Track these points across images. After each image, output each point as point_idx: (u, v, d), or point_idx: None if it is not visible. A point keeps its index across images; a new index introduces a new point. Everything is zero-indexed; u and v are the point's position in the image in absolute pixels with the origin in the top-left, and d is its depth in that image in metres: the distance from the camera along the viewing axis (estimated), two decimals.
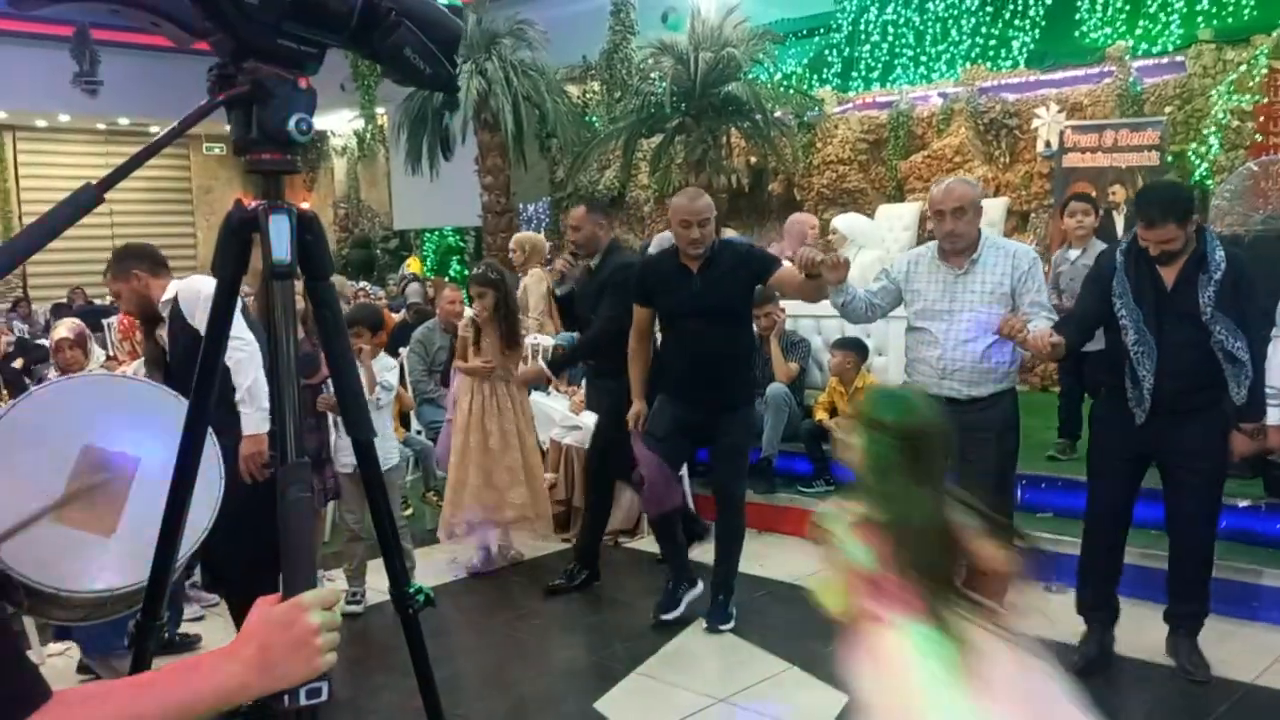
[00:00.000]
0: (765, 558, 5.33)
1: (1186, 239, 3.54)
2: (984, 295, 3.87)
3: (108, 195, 1.16)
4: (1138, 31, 9.85)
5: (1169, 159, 8.16)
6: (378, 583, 4.30)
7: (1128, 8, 10.10)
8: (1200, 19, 9.43)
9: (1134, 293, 3.64)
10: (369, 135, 17.66)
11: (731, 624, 4.48)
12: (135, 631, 1.52)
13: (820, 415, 6.02)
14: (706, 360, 4.27)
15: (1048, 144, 8.99)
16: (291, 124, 1.28)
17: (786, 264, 4.32)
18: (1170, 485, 3.77)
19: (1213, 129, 8.05)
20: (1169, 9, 9.79)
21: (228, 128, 1.35)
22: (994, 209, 8.71)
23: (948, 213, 3.86)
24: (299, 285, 1.38)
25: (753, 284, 4.34)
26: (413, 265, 14.06)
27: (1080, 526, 4.01)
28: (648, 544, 5.77)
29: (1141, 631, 4.02)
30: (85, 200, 1.13)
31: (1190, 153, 8.21)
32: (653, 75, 10.58)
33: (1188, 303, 3.55)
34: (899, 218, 9.13)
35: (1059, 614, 3.99)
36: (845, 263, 3.98)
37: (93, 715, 1.02)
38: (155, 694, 1.06)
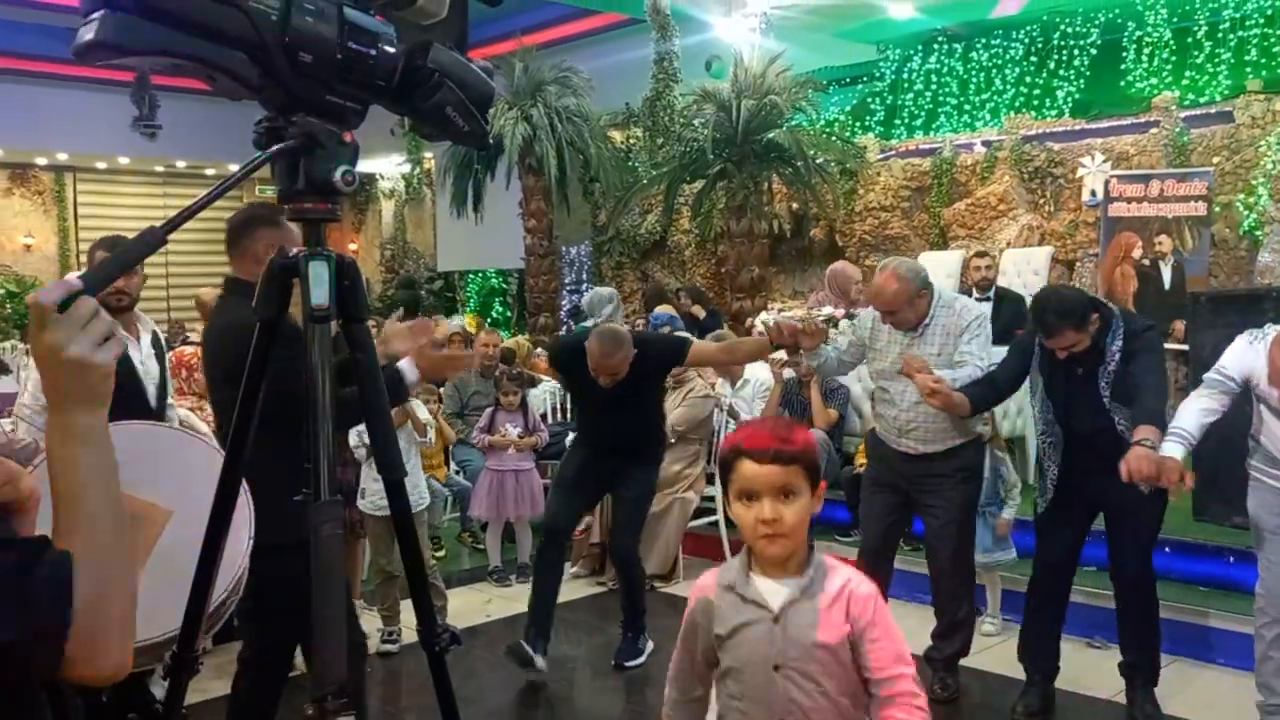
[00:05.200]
0: None
1: (1093, 338, 3.61)
2: (935, 359, 3.94)
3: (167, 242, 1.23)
4: (1184, 82, 9.81)
5: (1216, 209, 8.08)
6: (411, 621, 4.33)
7: (1174, 58, 10.07)
8: (1249, 69, 9.38)
9: (1047, 386, 3.77)
10: (416, 179, 17.95)
11: (642, 659, 4.65)
12: (171, 663, 1.55)
13: (860, 461, 5.99)
14: (614, 436, 4.53)
15: (1093, 193, 8.93)
16: (337, 175, 1.34)
17: (696, 342, 4.68)
18: (1110, 540, 3.83)
19: (1261, 180, 7.97)
20: (1216, 60, 9.74)
21: None
22: (1038, 258, 8.66)
23: (882, 311, 4.03)
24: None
25: (665, 372, 4.64)
26: (470, 323, 14.11)
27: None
28: (683, 589, 5.75)
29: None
30: (151, 241, 1.19)
31: (1238, 203, 8.13)
32: (695, 122, 10.69)
33: (1094, 394, 3.64)
34: (942, 265, 9.10)
35: (1096, 668, 3.94)
36: (822, 330, 4.18)
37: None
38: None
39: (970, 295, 6.96)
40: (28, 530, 1.18)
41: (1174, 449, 3.29)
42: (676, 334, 5.93)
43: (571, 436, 5.79)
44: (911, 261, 4.37)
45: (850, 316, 5.69)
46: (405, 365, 2.83)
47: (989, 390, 3.89)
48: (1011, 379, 3.95)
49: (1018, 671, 4.06)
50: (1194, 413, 3.39)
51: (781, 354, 6.10)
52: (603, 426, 4.54)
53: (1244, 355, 3.33)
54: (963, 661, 4.40)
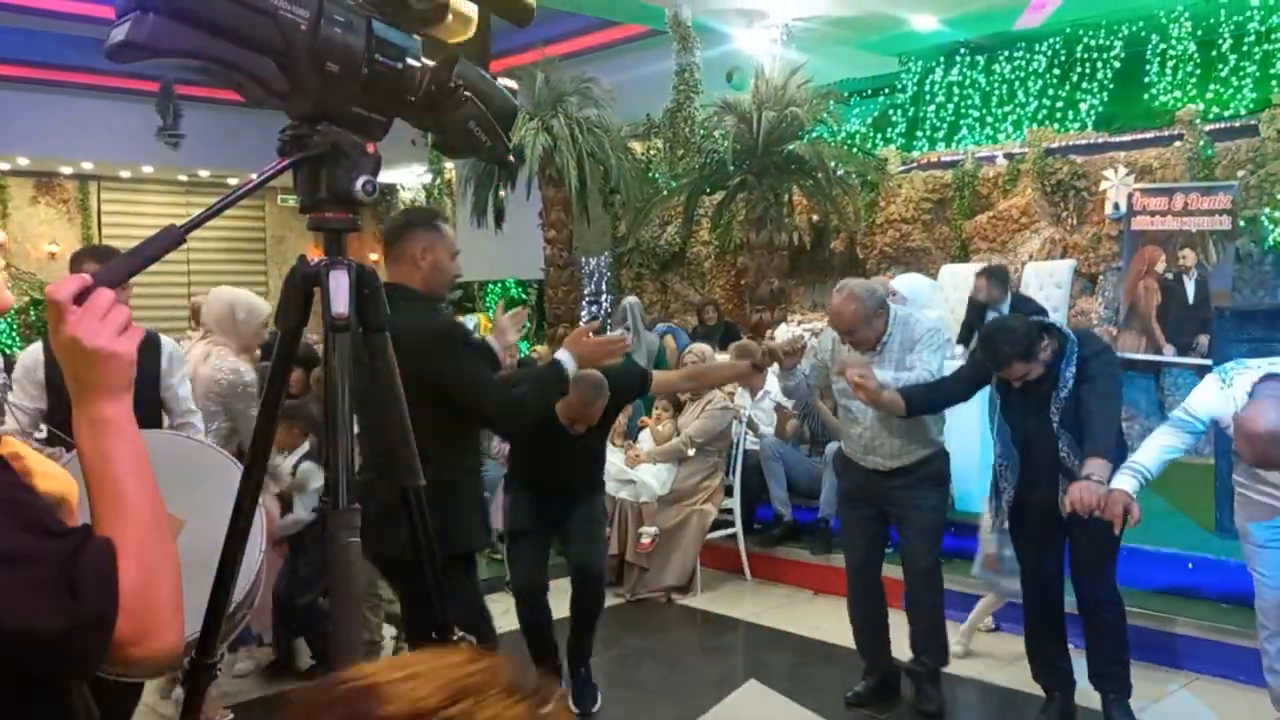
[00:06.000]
0: (822, 620, 5.26)
1: (1046, 364, 3.60)
2: (895, 374, 3.94)
3: (186, 241, 1.23)
4: (1209, 95, 9.75)
5: (1241, 223, 8.02)
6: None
7: (1199, 71, 10.01)
8: (1274, 83, 9.31)
9: (1004, 407, 3.79)
10: (437, 189, 18.04)
11: (599, 703, 4.33)
12: (189, 669, 1.56)
13: None
14: (571, 477, 4.30)
15: (1116, 206, 8.88)
16: (358, 185, 1.35)
17: (657, 373, 4.65)
18: (1070, 561, 3.82)
19: None
20: (1241, 73, 9.68)
21: None
22: (1061, 271, 8.61)
23: (842, 332, 4.02)
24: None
25: (623, 407, 4.64)
26: (483, 323, 14.26)
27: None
28: (701, 601, 5.73)
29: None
30: (170, 240, 1.20)
31: (1263, 217, 8.05)
32: (716, 133, 10.69)
33: (1048, 420, 3.65)
34: (964, 278, 9.06)
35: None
36: (802, 349, 4.16)
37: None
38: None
39: (986, 312, 6.95)
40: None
41: (1127, 482, 3.27)
42: (635, 366, 5.65)
43: (501, 474, 5.68)
44: (867, 282, 4.40)
45: None
46: (563, 355, 2.85)
47: (932, 395, 3.90)
48: (956, 389, 3.97)
49: (1039, 688, 4.03)
50: (1155, 450, 3.38)
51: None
52: (560, 468, 4.24)
53: (1213, 400, 3.32)
54: (985, 677, 4.38)
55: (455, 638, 1.71)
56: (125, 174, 17.72)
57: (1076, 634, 4.03)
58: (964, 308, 7.86)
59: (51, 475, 1.17)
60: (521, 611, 4.31)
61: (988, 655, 4.71)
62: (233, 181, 17.93)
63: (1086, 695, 4.00)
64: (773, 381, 6.51)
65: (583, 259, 13.53)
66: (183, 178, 18.05)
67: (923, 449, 4.05)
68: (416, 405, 2.76)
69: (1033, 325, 3.68)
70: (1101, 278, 8.94)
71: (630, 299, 9.42)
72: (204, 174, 17.88)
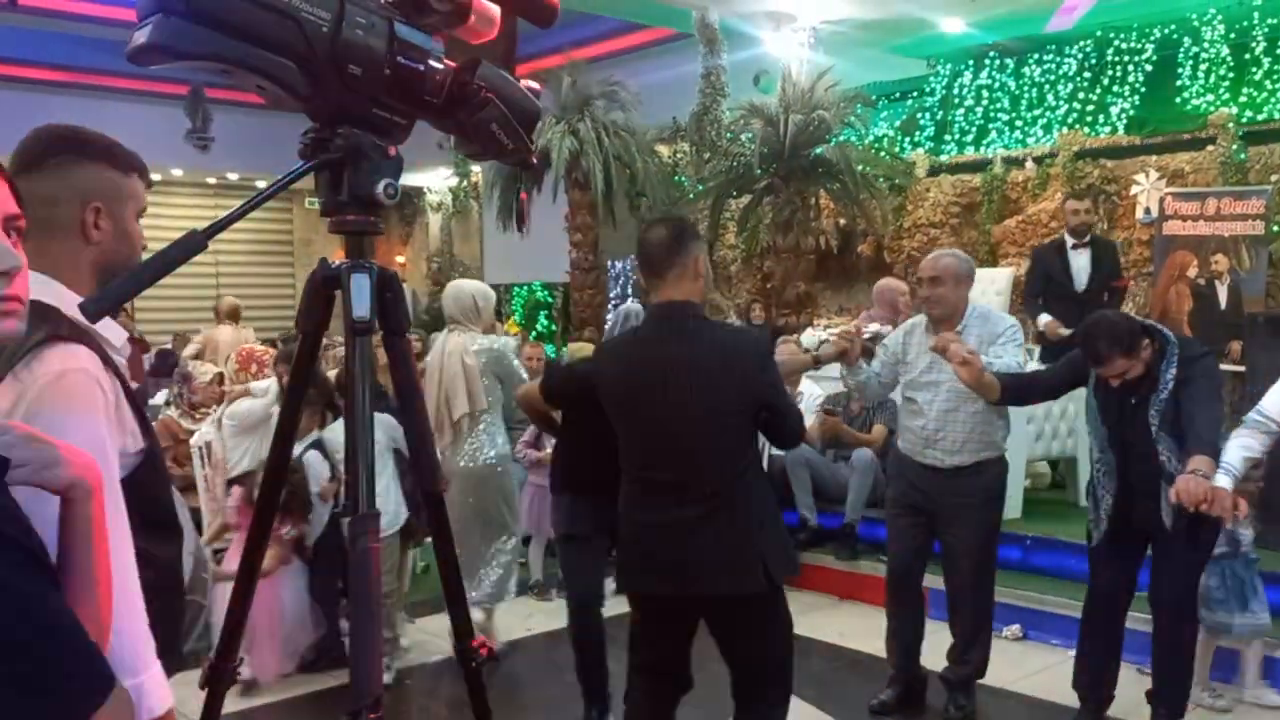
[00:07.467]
0: (847, 627, 5.22)
1: (1146, 364, 3.53)
2: (985, 360, 3.84)
3: (212, 244, 1.23)
4: (1242, 99, 9.62)
5: (1274, 228, 7.91)
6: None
7: (1232, 75, 9.88)
8: None
9: (1101, 410, 3.70)
10: (463, 192, 18.10)
11: None
12: (209, 673, 1.55)
13: None
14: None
15: (1147, 210, 8.78)
16: (379, 188, 1.34)
17: None
18: (1154, 564, 3.74)
19: None
20: (1275, 76, 9.55)
21: None
22: None
23: (925, 280, 3.99)
24: None
25: None
26: (510, 328, 14.26)
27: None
28: None
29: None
30: (192, 245, 1.20)
31: None
32: (742, 137, 10.67)
33: (1146, 422, 3.57)
34: (992, 282, 8.97)
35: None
36: (861, 345, 4.11)
37: None
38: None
39: (1066, 242, 6.81)
40: (89, 528, 1.12)
41: (1222, 480, 3.24)
42: None
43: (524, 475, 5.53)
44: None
45: None
46: None
47: (1026, 385, 3.89)
48: (1051, 385, 3.96)
49: (1070, 699, 3.97)
50: (1237, 449, 3.36)
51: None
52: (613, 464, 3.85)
53: None
54: (1014, 687, 4.32)
55: (478, 643, 1.68)
56: (155, 177, 17.58)
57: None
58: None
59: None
60: (574, 624, 4.09)
61: (1016, 664, 4.66)
62: (262, 184, 18.03)
63: (1118, 705, 3.94)
64: (807, 384, 6.46)
65: (609, 262, 13.53)
66: (211, 181, 18.20)
67: (985, 451, 3.94)
68: (739, 422, 2.78)
69: (1135, 321, 3.64)
70: (1132, 283, 8.84)
71: (632, 305, 9.39)
72: (233, 177, 18.03)
